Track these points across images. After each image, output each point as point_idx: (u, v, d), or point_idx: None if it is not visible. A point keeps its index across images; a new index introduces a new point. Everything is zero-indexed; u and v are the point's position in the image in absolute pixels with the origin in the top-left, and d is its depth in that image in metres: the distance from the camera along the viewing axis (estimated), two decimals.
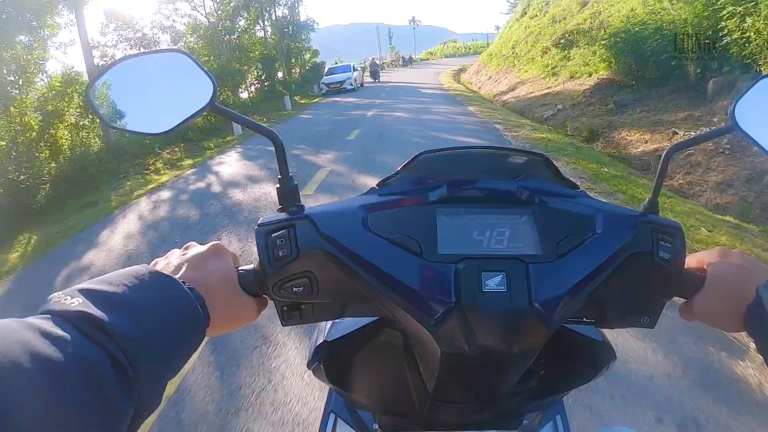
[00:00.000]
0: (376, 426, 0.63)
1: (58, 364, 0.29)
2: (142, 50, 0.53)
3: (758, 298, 0.45)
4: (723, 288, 0.49)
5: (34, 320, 0.31)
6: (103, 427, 0.30)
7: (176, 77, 0.51)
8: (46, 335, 0.30)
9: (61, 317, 0.33)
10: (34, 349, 0.28)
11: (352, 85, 19.45)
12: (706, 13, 6.62)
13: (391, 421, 0.62)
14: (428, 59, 68.71)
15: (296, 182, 0.52)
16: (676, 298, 0.53)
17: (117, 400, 0.31)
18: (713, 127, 0.52)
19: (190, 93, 0.50)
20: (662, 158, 0.54)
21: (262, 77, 20.30)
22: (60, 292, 0.34)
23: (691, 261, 0.52)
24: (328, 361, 0.61)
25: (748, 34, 5.63)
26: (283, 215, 0.52)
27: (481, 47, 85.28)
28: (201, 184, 6.48)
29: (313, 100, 18.60)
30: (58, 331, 0.31)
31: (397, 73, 32.99)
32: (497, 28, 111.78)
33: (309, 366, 0.63)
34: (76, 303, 0.34)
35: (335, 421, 0.71)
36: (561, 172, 0.57)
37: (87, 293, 0.35)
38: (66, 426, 0.28)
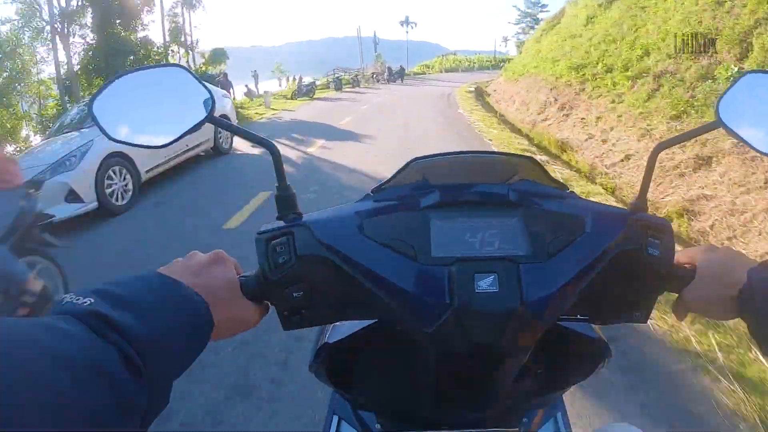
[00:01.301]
0: (378, 426, 0.66)
1: (72, 361, 0.31)
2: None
3: (750, 281, 0.48)
4: (714, 278, 0.52)
5: (48, 319, 0.33)
6: (116, 422, 0.32)
7: (175, 91, 0.54)
8: (59, 333, 0.32)
9: (74, 316, 0.35)
10: (48, 347, 0.30)
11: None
12: None
13: (392, 421, 0.64)
14: (424, 73, 52.91)
15: (294, 190, 0.56)
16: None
17: (129, 397, 0.33)
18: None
19: (189, 106, 0.53)
20: (649, 156, 0.57)
21: None
22: (72, 293, 0.38)
23: (681, 257, 0.56)
24: (330, 363, 0.64)
25: None
26: (281, 223, 0.56)
27: (487, 61, 70.79)
28: None
29: None
30: (71, 329, 0.33)
31: (374, 96, 21.37)
32: (506, 39, 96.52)
33: (311, 368, 0.65)
34: (88, 303, 0.36)
35: (338, 422, 0.73)
36: (550, 173, 0.59)
37: (98, 294, 0.38)
38: (79, 422, 0.29)
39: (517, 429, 0.64)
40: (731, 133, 0.55)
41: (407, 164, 0.61)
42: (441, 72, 58.38)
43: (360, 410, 0.70)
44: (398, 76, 33.55)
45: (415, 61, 64.94)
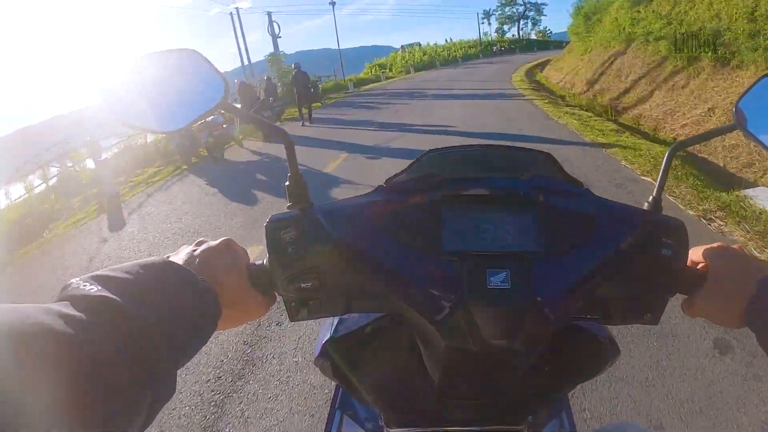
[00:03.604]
0: (381, 422, 0.69)
1: (76, 348, 0.33)
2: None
3: (758, 293, 0.52)
4: (723, 285, 0.56)
5: (53, 305, 0.36)
6: (120, 410, 0.34)
7: (188, 76, 0.56)
8: (64, 319, 0.34)
9: (80, 302, 0.37)
10: (53, 333, 0.32)
11: None
12: None
13: (396, 417, 0.68)
14: (378, 79, 35.79)
15: (306, 180, 0.61)
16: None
17: (133, 385, 0.35)
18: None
19: (202, 91, 0.56)
20: (667, 155, 0.62)
21: None
22: (78, 279, 0.40)
23: (692, 256, 0.61)
24: (335, 357, 0.68)
25: None
26: (292, 212, 0.59)
27: (471, 47, 55.08)
28: None
29: None
30: (77, 316, 0.35)
31: None
32: (488, 14, 73.83)
33: (316, 363, 0.71)
34: (94, 289, 0.38)
35: (341, 417, 0.76)
36: (564, 169, 0.66)
37: (105, 280, 0.40)
38: (84, 408, 0.31)
39: (522, 427, 0.66)
40: (749, 135, 0.58)
41: (421, 156, 0.66)
42: (410, 74, 32.00)
43: (364, 406, 0.74)
44: (285, 106, 14.83)
45: (364, 63, 40.08)
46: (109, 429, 0.32)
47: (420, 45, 57.87)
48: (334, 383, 0.74)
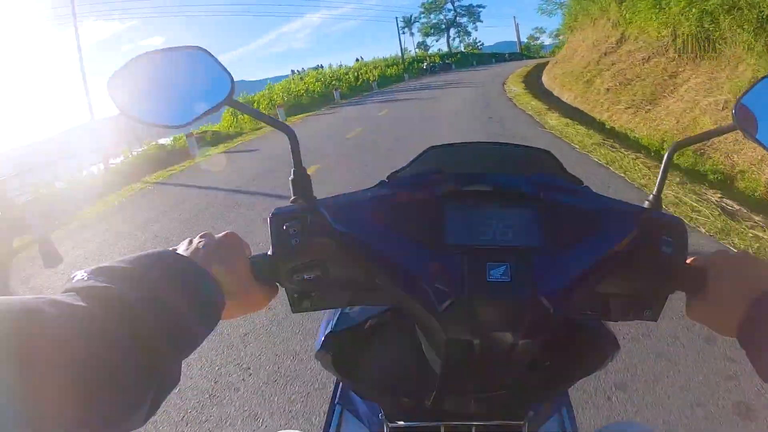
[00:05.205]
0: (382, 416, 0.73)
1: (81, 339, 0.35)
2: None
3: (752, 312, 0.54)
4: (721, 294, 0.59)
5: (59, 297, 0.39)
6: (124, 400, 0.36)
7: (195, 73, 0.59)
8: (68, 310, 0.36)
9: (85, 294, 0.40)
10: (58, 324, 0.34)
11: None
12: None
13: (397, 412, 0.72)
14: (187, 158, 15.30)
15: (309, 174, 0.68)
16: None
17: (137, 376, 0.38)
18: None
19: (208, 88, 0.59)
20: (666, 154, 0.67)
21: None
22: (82, 271, 0.44)
23: (696, 260, 0.66)
24: (336, 351, 0.74)
25: None
26: (296, 206, 0.64)
27: (391, 66, 42.64)
28: None
29: None
30: (81, 306, 0.38)
31: None
32: (410, 21, 61.68)
33: (317, 356, 0.77)
34: (99, 281, 0.42)
35: (341, 412, 0.80)
36: (565, 167, 0.75)
37: (110, 272, 0.43)
38: (87, 398, 0.33)
39: (522, 422, 0.70)
40: (749, 136, 0.62)
41: (424, 152, 0.71)
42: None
43: (364, 400, 0.80)
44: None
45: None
46: (113, 419, 0.34)
47: (321, 67, 43.01)
48: (334, 378, 0.83)
